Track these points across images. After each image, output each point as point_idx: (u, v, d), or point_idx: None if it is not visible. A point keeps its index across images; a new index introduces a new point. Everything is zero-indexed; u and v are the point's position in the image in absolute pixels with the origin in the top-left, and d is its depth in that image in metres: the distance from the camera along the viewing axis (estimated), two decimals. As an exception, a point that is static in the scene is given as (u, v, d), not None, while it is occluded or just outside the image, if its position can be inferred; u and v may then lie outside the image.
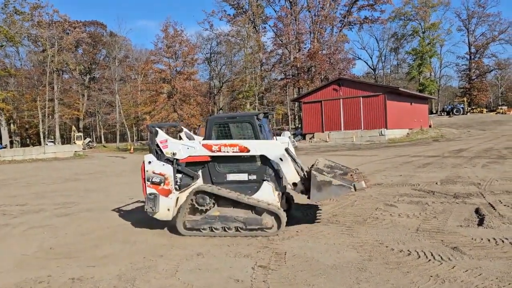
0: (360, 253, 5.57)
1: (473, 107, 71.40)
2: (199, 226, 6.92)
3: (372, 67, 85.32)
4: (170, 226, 7.49)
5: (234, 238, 6.68)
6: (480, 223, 6.75)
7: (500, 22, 74.35)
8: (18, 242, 7.33)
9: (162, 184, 6.96)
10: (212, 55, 69.08)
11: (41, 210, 10.63)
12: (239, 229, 6.83)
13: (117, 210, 9.88)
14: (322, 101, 41.39)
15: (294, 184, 7.00)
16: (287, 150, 7.12)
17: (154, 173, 7.01)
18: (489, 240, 5.81)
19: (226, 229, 6.87)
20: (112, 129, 70.36)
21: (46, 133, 55.03)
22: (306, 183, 6.89)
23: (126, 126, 57.10)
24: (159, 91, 57.54)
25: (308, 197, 6.70)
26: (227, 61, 71.03)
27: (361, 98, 39.11)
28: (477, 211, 7.61)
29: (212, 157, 7.09)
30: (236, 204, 6.97)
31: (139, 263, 5.67)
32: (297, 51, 60.96)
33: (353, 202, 9.10)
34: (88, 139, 60.24)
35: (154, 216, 7.10)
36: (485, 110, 69.57)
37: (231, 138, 7.24)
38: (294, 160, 7.25)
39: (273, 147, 6.91)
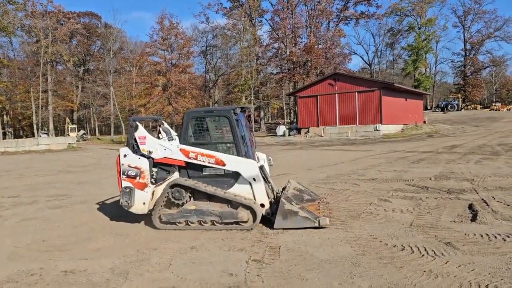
0: (354, 247, 5.57)
1: (468, 104, 71.80)
2: (174, 219, 6.92)
3: (368, 63, 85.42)
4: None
5: (229, 232, 6.66)
6: (473, 219, 6.78)
7: (495, 19, 74.70)
8: (10, 234, 7.27)
9: (137, 178, 6.95)
10: (208, 48, 68.85)
11: (33, 202, 10.56)
12: (214, 222, 6.84)
13: (110, 203, 9.83)
14: (318, 96, 41.39)
15: (262, 205, 7.00)
16: (261, 167, 7.27)
17: (129, 166, 6.98)
18: (482, 236, 5.83)
19: (202, 222, 6.88)
20: (107, 122, 69.94)
21: (40, 124, 54.59)
22: (273, 207, 6.96)
23: (120, 118, 56.82)
24: (154, 83, 57.30)
25: (272, 222, 6.69)
26: (223, 54, 70.79)
27: (356, 93, 39.15)
28: (470, 207, 7.64)
29: (187, 162, 7.08)
30: (212, 198, 7.01)
31: (132, 256, 5.64)
32: (293, 45, 60.87)
33: (348, 197, 9.12)
34: (82, 131, 59.82)
35: (130, 210, 7.08)
36: (479, 106, 70.05)
37: (207, 132, 7.25)
38: (266, 179, 7.40)
39: (249, 166, 6.90)
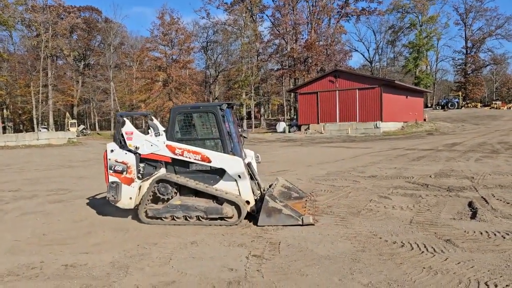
0: (354, 244, 5.58)
1: (468, 102, 71.74)
2: (160, 214, 6.97)
3: (369, 60, 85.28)
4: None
5: (229, 228, 6.67)
6: (473, 216, 6.79)
7: (497, 17, 74.60)
8: (10, 228, 7.28)
9: (124, 173, 7.01)
10: (208, 43, 68.67)
11: (34, 196, 10.57)
12: (200, 218, 6.89)
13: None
14: (318, 93, 41.37)
15: (247, 202, 7.04)
16: (249, 164, 7.41)
17: (116, 161, 7.04)
18: (481, 233, 5.85)
19: (188, 218, 6.92)
20: (107, 117, 69.85)
21: (40, 119, 54.57)
22: (258, 204, 7.00)
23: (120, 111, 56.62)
24: (155, 79, 57.24)
25: (257, 219, 6.73)
26: (223, 50, 70.67)
27: (357, 90, 39.13)
28: (470, 204, 7.65)
29: (173, 158, 7.12)
30: (198, 193, 7.07)
31: (132, 251, 5.66)
32: (294, 41, 60.70)
33: (348, 194, 9.13)
34: (82, 126, 59.76)
35: (116, 205, 7.15)
36: (479, 104, 70.01)
37: (194, 128, 7.27)
38: (254, 176, 7.51)
39: (234, 164, 6.93)
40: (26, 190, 11.55)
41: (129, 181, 7.04)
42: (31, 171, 16.96)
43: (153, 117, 8.03)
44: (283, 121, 53.24)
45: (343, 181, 10.92)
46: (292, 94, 58.70)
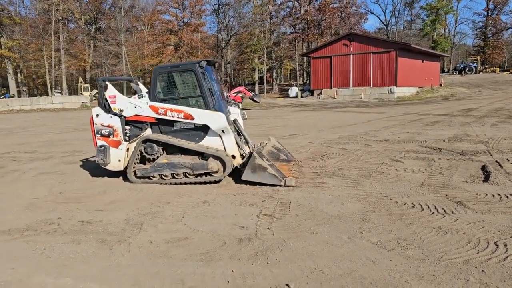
0: (364, 204, 5.62)
1: (486, 67, 69.61)
2: (148, 174, 7.17)
3: (385, 23, 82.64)
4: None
5: (240, 188, 6.74)
6: (486, 179, 6.74)
7: (523, -24, 70.79)
8: (28, 187, 7.49)
9: (111, 136, 7.22)
10: (220, 6, 67.07)
11: (49, 157, 10.78)
12: (187, 175, 7.07)
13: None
14: (332, 57, 40.57)
15: (233, 157, 7.19)
16: (235, 121, 7.65)
17: (102, 125, 7.24)
18: (493, 196, 5.82)
19: (175, 175, 7.12)
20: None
21: (53, 83, 54.84)
22: (245, 160, 7.10)
23: (132, 76, 56.48)
24: (166, 42, 56.71)
25: (241, 173, 6.85)
26: (235, 13, 69.00)
27: (371, 54, 38.26)
28: (483, 168, 7.58)
29: (157, 118, 7.24)
30: (184, 151, 7.24)
31: (146, 209, 5.79)
32: (308, 3, 59.06)
33: (359, 157, 9.11)
34: (95, 91, 59.77)
35: (106, 168, 7.37)
36: (498, 69, 67.88)
37: (175, 87, 7.37)
38: (241, 133, 7.72)
39: (217, 119, 7.01)
40: (42, 152, 11.78)
41: (117, 144, 7.27)
42: (46, 133, 17.24)
43: (138, 82, 8.08)
44: (296, 86, 52.62)
45: (355, 145, 10.88)
46: (305, 59, 57.70)
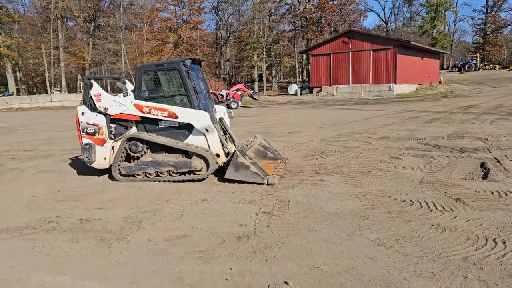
0: (363, 202, 5.62)
1: (486, 64, 69.56)
2: (133, 172, 7.21)
3: (384, 20, 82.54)
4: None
5: (239, 186, 6.74)
6: (485, 176, 6.75)
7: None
8: (27, 185, 7.49)
9: (96, 134, 7.27)
10: (219, 3, 66.99)
11: (49, 155, 10.77)
12: (171, 173, 7.10)
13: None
14: (331, 54, 40.54)
15: (217, 155, 7.22)
16: (221, 120, 7.73)
17: (88, 123, 7.30)
18: (492, 193, 5.82)
19: (159, 173, 7.15)
20: (118, 79, 69.56)
21: (52, 81, 54.75)
22: (229, 159, 7.11)
23: (132, 76, 56.54)
24: (165, 40, 56.58)
25: (224, 172, 6.88)
26: (234, 10, 68.90)
27: (371, 51, 38.23)
28: (482, 165, 7.59)
29: (142, 117, 7.27)
30: (169, 150, 7.27)
31: (144, 207, 5.79)
32: (307, 1, 58.91)
33: (358, 154, 9.11)
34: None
35: (92, 166, 7.40)
36: (497, 66, 67.80)
37: (160, 86, 7.40)
38: (226, 131, 7.81)
39: (201, 118, 7.04)
40: (41, 150, 11.77)
41: (102, 142, 7.31)
42: (45, 131, 17.22)
43: (126, 80, 8.09)
44: (295, 83, 52.58)
45: (354, 142, 10.87)
46: (304, 56, 57.63)
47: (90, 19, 68.59)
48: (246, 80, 77.92)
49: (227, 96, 29.39)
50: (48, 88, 52.20)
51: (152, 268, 3.82)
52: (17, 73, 57.74)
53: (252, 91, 32.31)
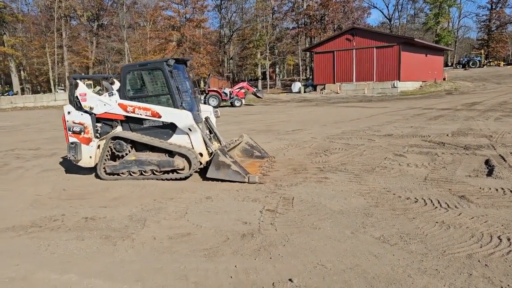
0: (367, 199, 5.61)
1: (490, 60, 69.14)
2: (118, 170, 7.29)
3: (388, 17, 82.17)
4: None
5: (243, 184, 6.73)
6: (489, 173, 6.72)
7: (526, -32, 70.16)
8: (31, 184, 7.54)
9: (82, 133, 7.37)
10: (222, 2, 66.92)
11: (53, 154, 10.83)
12: (154, 172, 7.18)
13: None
14: (335, 52, 40.38)
15: (201, 155, 7.25)
16: (207, 119, 7.84)
17: (74, 122, 7.39)
18: (497, 190, 5.80)
19: (143, 172, 7.24)
20: (122, 78, 69.66)
21: (57, 80, 54.95)
22: (211, 158, 7.15)
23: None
24: (168, 38, 56.62)
25: (206, 171, 6.95)
26: (238, 8, 68.77)
27: (374, 48, 38.05)
28: (487, 162, 7.55)
29: (127, 116, 7.34)
30: (152, 149, 7.33)
31: (149, 205, 5.81)
32: (311, -2, 58.70)
33: (362, 152, 9.09)
34: (98, 88, 60.00)
35: (78, 164, 7.51)
36: (502, 63, 67.38)
37: (144, 85, 7.46)
38: (212, 130, 7.93)
39: (183, 117, 7.08)
40: (46, 149, 11.83)
41: (88, 141, 7.41)
42: (50, 130, 17.30)
43: (115, 80, 8.13)
44: (299, 81, 52.46)
45: (358, 140, 10.85)
46: (308, 54, 57.50)
47: (93, 18, 68.72)
48: (249, 78, 77.89)
49: (230, 94, 29.40)
50: (52, 87, 52.40)
51: (157, 266, 3.84)
52: (21, 72, 58.07)
53: (255, 89, 32.28)
